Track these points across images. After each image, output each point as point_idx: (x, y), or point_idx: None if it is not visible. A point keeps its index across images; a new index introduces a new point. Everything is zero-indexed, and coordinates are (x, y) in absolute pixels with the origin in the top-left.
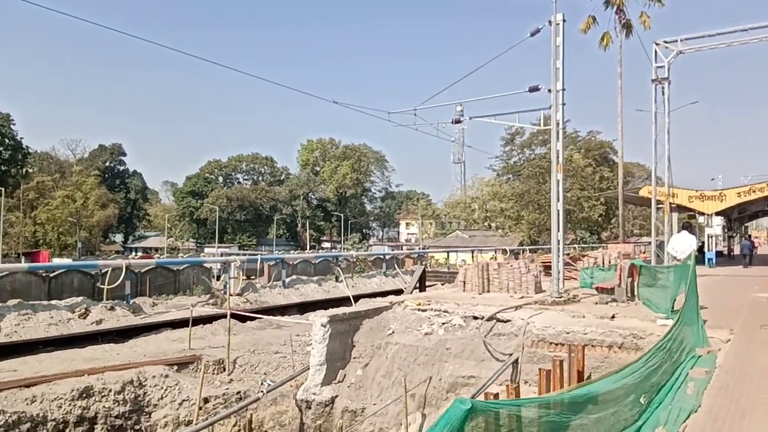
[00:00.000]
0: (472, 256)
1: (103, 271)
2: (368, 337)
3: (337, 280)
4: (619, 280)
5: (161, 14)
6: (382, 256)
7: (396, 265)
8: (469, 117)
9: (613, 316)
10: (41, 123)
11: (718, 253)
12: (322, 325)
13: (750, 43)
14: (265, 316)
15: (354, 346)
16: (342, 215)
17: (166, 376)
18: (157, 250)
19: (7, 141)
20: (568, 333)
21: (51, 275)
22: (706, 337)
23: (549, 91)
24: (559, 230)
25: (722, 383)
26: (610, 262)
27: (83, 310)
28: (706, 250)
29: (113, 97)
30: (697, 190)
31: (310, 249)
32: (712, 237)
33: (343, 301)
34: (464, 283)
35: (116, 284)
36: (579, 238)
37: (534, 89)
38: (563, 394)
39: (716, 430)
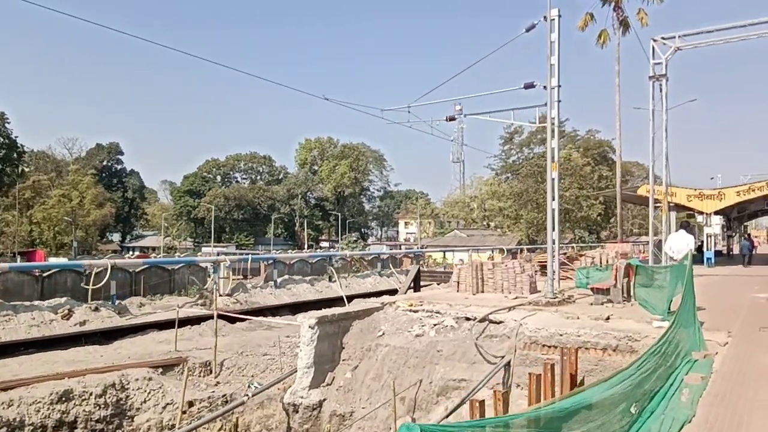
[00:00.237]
0: (469, 256)
1: (86, 272)
2: (358, 338)
3: (330, 280)
4: (615, 281)
5: (161, 14)
6: (377, 256)
7: (391, 265)
8: (464, 114)
9: (608, 318)
10: (40, 123)
11: (717, 253)
12: (310, 326)
13: (749, 40)
14: (252, 317)
15: (343, 348)
16: (339, 214)
17: (150, 378)
18: (154, 249)
19: (1, 140)
20: (561, 335)
21: (44, 275)
22: (702, 340)
23: (544, 87)
24: (554, 229)
25: (719, 390)
26: (607, 261)
27: (66, 311)
28: (704, 249)
29: (112, 96)
30: (695, 189)
31: (308, 248)
32: (711, 236)
33: (337, 301)
34: (458, 283)
35: (101, 284)
36: (578, 237)
37: (529, 86)
38: (539, 410)
39: None
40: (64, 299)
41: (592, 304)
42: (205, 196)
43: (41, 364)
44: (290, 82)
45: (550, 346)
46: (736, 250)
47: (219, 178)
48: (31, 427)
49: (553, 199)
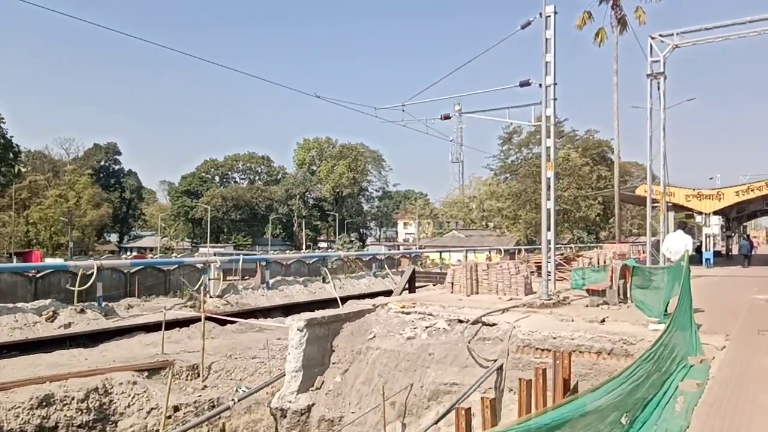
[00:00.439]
0: (465, 256)
1: (79, 272)
2: (348, 341)
3: (324, 281)
4: (611, 282)
5: (160, 14)
6: (372, 256)
7: (385, 266)
8: (458, 113)
9: (603, 320)
10: (39, 123)
11: (716, 253)
12: (298, 329)
13: (748, 37)
14: (240, 320)
15: (333, 351)
16: (338, 215)
17: (134, 382)
18: (151, 250)
19: None
20: (555, 338)
21: (38, 276)
22: (699, 344)
23: (540, 86)
24: (549, 230)
25: (715, 398)
26: (605, 262)
27: (51, 313)
28: (703, 250)
29: (112, 97)
30: (694, 189)
31: (306, 249)
32: (709, 237)
33: (330, 302)
34: (452, 284)
35: (87, 286)
36: (576, 237)
37: (525, 84)
38: (512, 429)
39: None
40: (48, 301)
41: (587, 306)
42: (202, 197)
43: (23, 367)
44: (289, 83)
45: (543, 350)
46: (735, 250)
47: (217, 178)
48: None
49: (549, 199)
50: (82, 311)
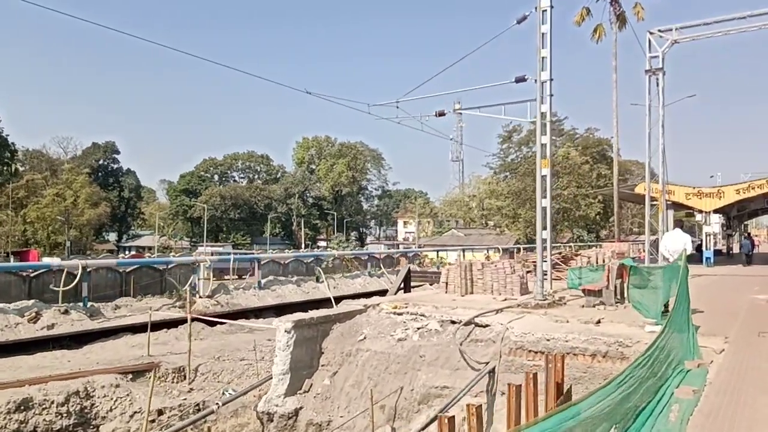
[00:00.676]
0: (463, 255)
1: (64, 272)
2: (338, 343)
3: (317, 280)
4: (607, 282)
5: (159, 14)
6: (368, 256)
7: (381, 265)
8: (453, 110)
9: (598, 321)
10: (39, 123)
11: (717, 252)
12: (286, 330)
13: (749, 32)
14: (228, 320)
15: (322, 353)
16: (336, 214)
17: (117, 385)
18: (150, 249)
19: None
20: (548, 340)
21: (32, 275)
22: (697, 347)
23: (536, 81)
24: (545, 228)
25: (711, 407)
26: (603, 261)
27: (33, 314)
28: (704, 248)
29: (112, 96)
30: (694, 187)
31: (305, 248)
32: (710, 235)
33: (324, 302)
34: (446, 284)
35: (72, 285)
36: (576, 236)
37: (520, 80)
38: None
39: None
40: (31, 302)
41: (583, 306)
42: (201, 196)
43: (3, 370)
44: (288, 83)
45: (536, 352)
46: (736, 249)
47: (216, 177)
48: None
49: (544, 197)
50: (66, 312)
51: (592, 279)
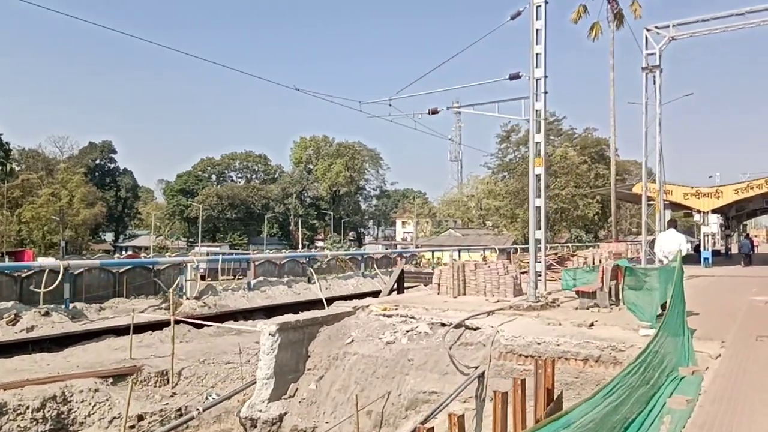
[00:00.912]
0: (459, 255)
1: (45, 273)
2: (325, 346)
3: (309, 281)
4: (602, 283)
5: (158, 14)
6: (361, 256)
7: (375, 266)
8: (446, 107)
9: (592, 324)
10: (38, 122)
11: (715, 253)
12: (270, 333)
13: (747, 28)
14: (213, 323)
15: (309, 357)
16: (333, 213)
17: (96, 390)
18: (146, 249)
19: None
20: (539, 344)
21: (23, 276)
22: (692, 352)
23: (529, 78)
24: (539, 228)
25: (705, 418)
26: (600, 262)
27: (12, 316)
28: (702, 249)
29: (110, 96)
30: (692, 187)
31: (302, 248)
32: (708, 236)
33: (316, 304)
34: (439, 285)
35: (53, 287)
36: (574, 236)
37: (515, 77)
38: None
39: None
40: (10, 303)
41: (576, 308)
42: (198, 195)
43: None
44: (288, 82)
45: (527, 356)
46: (734, 249)
47: (214, 177)
48: None
49: (538, 197)
50: (47, 314)
51: (586, 280)
